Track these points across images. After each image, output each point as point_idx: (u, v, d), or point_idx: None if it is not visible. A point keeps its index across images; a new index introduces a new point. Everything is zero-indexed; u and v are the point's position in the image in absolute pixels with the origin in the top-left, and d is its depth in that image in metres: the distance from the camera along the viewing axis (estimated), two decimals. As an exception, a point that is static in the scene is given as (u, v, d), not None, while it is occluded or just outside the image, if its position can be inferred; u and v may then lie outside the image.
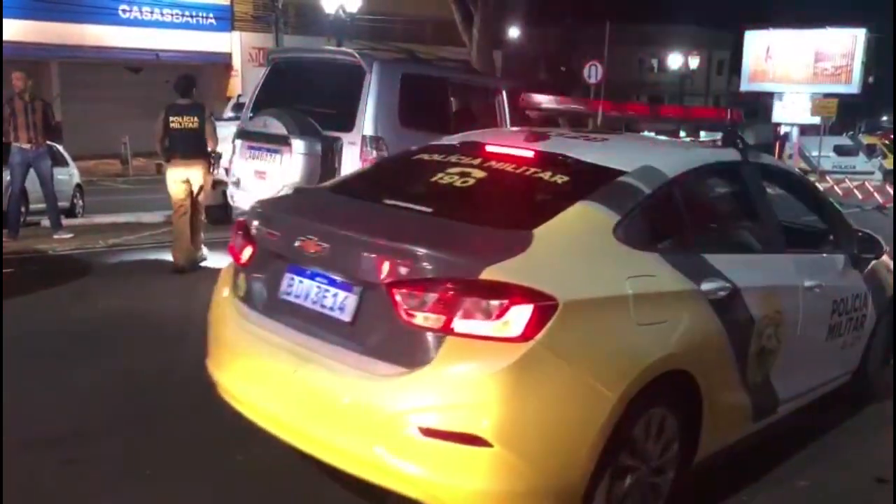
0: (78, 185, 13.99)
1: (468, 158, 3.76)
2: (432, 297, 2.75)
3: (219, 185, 9.73)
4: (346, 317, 2.99)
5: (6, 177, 9.48)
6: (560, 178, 3.45)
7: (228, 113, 11.52)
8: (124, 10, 26.14)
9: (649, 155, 3.78)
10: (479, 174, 3.58)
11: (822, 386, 4.44)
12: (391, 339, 2.84)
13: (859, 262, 4.59)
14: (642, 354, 2.98)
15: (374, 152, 6.94)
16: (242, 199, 7.83)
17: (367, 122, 6.96)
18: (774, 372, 3.82)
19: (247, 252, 3.43)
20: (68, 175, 13.41)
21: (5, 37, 23.16)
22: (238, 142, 7.65)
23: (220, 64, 29.08)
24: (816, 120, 27.16)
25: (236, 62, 29.08)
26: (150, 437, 3.98)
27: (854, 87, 31.60)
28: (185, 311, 6.27)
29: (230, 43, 29.10)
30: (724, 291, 3.40)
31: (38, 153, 9.40)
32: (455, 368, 2.72)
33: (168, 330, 5.64)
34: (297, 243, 3.15)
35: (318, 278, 3.12)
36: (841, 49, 31.24)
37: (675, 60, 35.75)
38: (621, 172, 3.44)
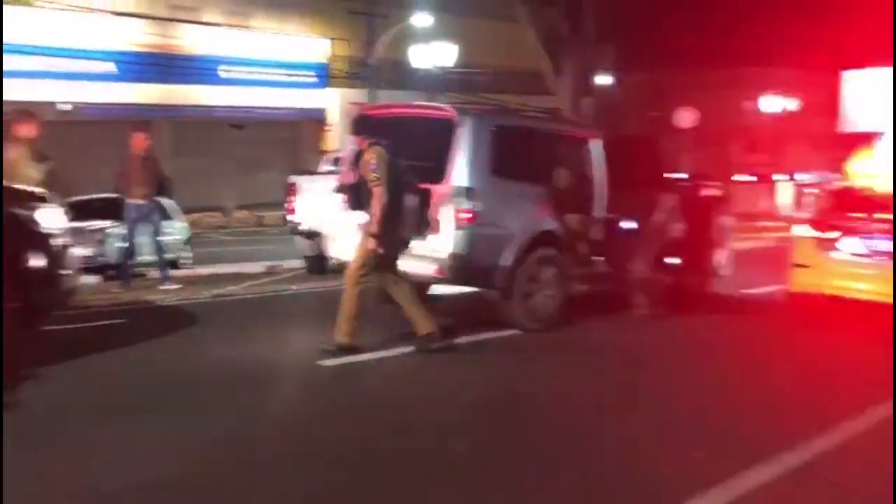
0: (186, 238, 14.53)
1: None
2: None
3: (315, 237, 10.05)
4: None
5: (120, 230, 10.04)
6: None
7: (327, 167, 11.88)
8: (224, 71, 27.57)
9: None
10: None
11: None
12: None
13: None
14: None
15: (466, 202, 7.07)
16: (338, 250, 8.07)
17: (458, 173, 7.13)
18: None
19: (837, 234, 8.32)
20: (177, 229, 13.98)
21: (126, 99, 24.94)
22: (339, 196, 7.86)
23: (315, 119, 30.23)
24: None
25: (332, 117, 30.10)
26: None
27: (966, 125, 29.95)
28: (294, 357, 6.40)
29: (327, 99, 30.22)
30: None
31: (150, 208, 9.84)
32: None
33: (275, 382, 5.72)
34: (866, 227, 8.02)
35: (873, 240, 7.92)
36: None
37: (772, 103, 34.84)
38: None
